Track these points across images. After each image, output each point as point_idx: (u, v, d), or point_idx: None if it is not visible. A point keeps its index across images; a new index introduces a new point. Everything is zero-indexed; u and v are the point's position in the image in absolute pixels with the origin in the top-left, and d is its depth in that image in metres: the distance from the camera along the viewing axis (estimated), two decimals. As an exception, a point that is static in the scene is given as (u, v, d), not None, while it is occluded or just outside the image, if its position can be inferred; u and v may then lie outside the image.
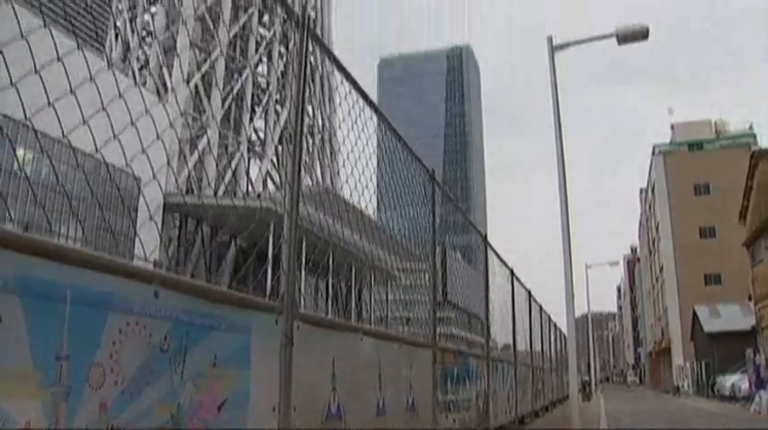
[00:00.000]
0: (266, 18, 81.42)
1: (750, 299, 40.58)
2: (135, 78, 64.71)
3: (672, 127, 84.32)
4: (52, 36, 2.79)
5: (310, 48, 3.59)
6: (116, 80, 2.88)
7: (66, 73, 2.73)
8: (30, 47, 2.61)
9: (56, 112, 2.68)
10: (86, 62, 2.85)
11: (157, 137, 3.03)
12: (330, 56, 4.14)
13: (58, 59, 2.65)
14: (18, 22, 2.88)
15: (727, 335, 46.46)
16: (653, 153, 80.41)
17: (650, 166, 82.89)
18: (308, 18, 3.54)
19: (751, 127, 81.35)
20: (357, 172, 4.66)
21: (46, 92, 2.63)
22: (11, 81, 2.53)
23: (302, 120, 3.50)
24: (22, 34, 2.60)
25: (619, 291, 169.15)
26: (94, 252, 2.42)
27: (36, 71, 2.56)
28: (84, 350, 2.34)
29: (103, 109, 2.72)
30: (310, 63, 3.56)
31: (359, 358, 4.82)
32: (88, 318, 2.36)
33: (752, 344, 36.28)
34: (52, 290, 2.22)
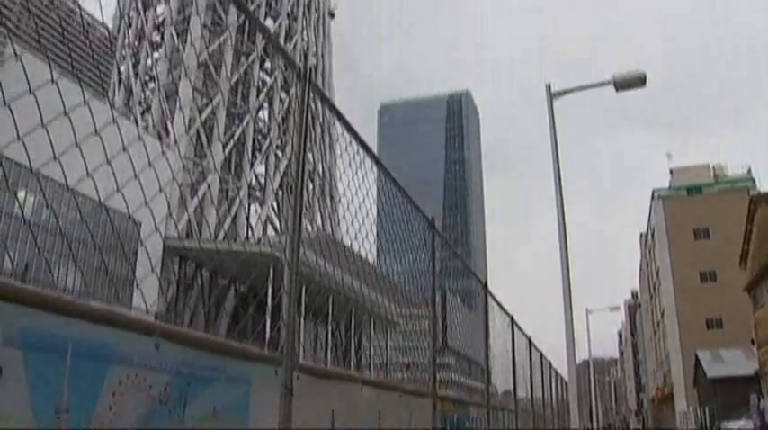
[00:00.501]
0: (268, 64, 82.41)
1: (753, 343, 40.36)
2: (137, 122, 65.23)
3: (671, 171, 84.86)
4: (58, 87, 2.84)
5: (311, 94, 3.65)
6: (120, 131, 2.93)
7: (70, 120, 2.77)
8: (30, 87, 2.65)
9: (56, 155, 2.72)
10: (90, 111, 2.90)
11: (160, 189, 3.06)
12: (331, 107, 4.20)
13: (65, 113, 2.69)
14: (23, 68, 2.93)
15: (731, 380, 46.03)
16: (652, 198, 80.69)
17: (650, 211, 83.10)
18: (310, 70, 3.61)
19: (749, 171, 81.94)
20: (357, 221, 4.71)
21: (50, 140, 2.67)
22: (16, 127, 2.57)
23: (303, 171, 3.54)
24: (28, 81, 2.65)
25: (620, 336, 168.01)
26: (96, 304, 2.43)
27: (42, 124, 2.61)
28: (84, 403, 2.33)
29: (107, 161, 2.75)
30: (311, 112, 3.61)
31: (359, 407, 4.79)
32: (89, 371, 2.36)
33: (755, 389, 35.96)
34: (53, 342, 2.23)
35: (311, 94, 3.67)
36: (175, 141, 60.12)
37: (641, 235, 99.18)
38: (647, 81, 14.88)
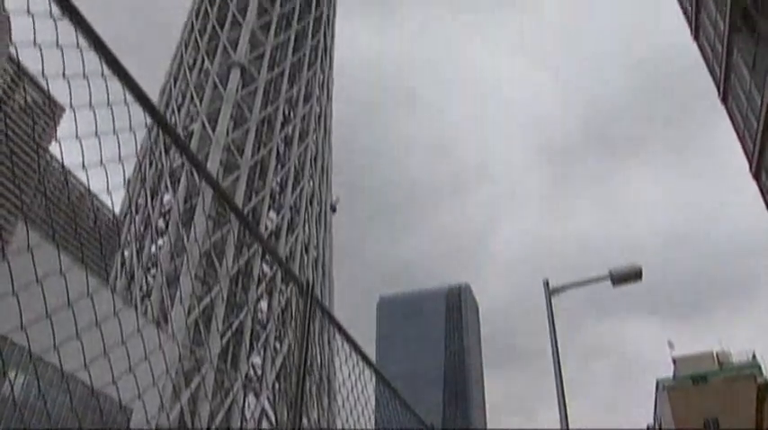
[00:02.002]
0: (269, 256, 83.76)
1: None
2: (137, 309, 65.22)
3: (674, 361, 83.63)
4: (65, 280, 2.92)
5: (313, 308, 3.74)
6: (120, 323, 2.97)
7: (73, 313, 2.81)
8: (38, 276, 2.71)
9: (56, 344, 2.73)
10: (92, 303, 2.95)
11: (153, 382, 3.05)
12: (332, 320, 4.29)
13: (69, 304, 2.75)
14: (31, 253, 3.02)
15: None
16: (657, 388, 78.93)
17: (655, 402, 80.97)
18: (311, 285, 3.72)
19: (753, 356, 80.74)
20: (355, 421, 4.66)
21: (52, 329, 2.70)
22: (20, 316, 2.61)
23: (303, 386, 3.55)
24: (35, 272, 2.72)
25: None
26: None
27: (47, 313, 2.66)
28: None
29: (104, 352, 2.78)
30: (312, 325, 3.69)
31: None
32: None
33: None
34: None
35: (313, 308, 3.77)
36: (173, 333, 59.78)
37: (648, 427, 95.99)
38: (644, 273, 15.14)
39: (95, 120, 2.42)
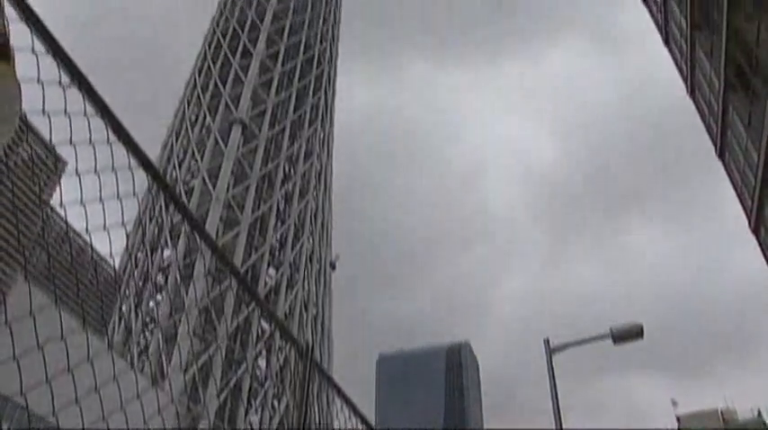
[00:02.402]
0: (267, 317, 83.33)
1: None
2: (133, 365, 64.56)
3: (678, 419, 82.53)
4: (66, 344, 2.91)
5: (312, 371, 3.73)
6: (119, 389, 2.95)
7: (72, 377, 2.80)
8: (39, 340, 2.71)
9: (55, 411, 2.71)
10: (93, 369, 2.93)
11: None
12: (331, 383, 4.28)
13: (69, 370, 2.74)
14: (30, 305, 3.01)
15: None
16: (662, 449, 77.75)
17: (662, 462, 79.68)
18: (311, 348, 3.72)
19: (759, 413, 79.51)
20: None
21: (52, 393, 2.68)
22: (20, 381, 2.59)
23: None
24: (36, 337, 2.71)
25: None
26: None
27: (47, 379, 2.64)
28: None
29: (103, 418, 2.75)
30: (310, 386, 3.67)
31: None
32: None
33: None
34: None
35: (312, 370, 3.77)
36: (172, 394, 59.03)
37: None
38: (646, 331, 15.06)
39: (99, 182, 2.46)
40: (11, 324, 3.06)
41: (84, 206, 2.42)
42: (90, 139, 2.36)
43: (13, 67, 2.01)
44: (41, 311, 3.13)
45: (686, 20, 31.37)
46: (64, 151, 2.44)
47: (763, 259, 28.09)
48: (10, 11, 2.07)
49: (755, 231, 28.40)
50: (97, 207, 2.60)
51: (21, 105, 2.01)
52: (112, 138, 2.42)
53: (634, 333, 14.93)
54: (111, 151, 2.41)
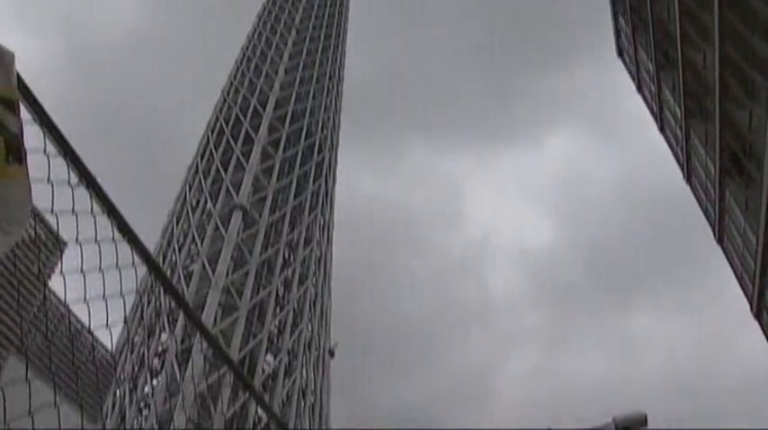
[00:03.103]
0: (266, 398, 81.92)
1: None
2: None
3: None
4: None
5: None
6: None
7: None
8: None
9: None
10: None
11: None
12: None
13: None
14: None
15: None
16: None
17: None
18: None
19: None
20: None
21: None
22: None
23: None
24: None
25: None
26: None
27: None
28: None
29: None
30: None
31: None
32: None
33: None
34: None
35: None
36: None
37: None
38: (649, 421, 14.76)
39: (103, 280, 2.49)
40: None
41: (88, 303, 2.44)
42: (96, 237, 2.40)
43: (26, 168, 2.06)
44: (34, 385, 3.10)
45: (680, 108, 32.04)
46: (71, 247, 2.48)
47: (766, 343, 27.81)
48: (25, 113, 2.14)
49: (758, 316, 28.21)
50: (99, 295, 2.62)
51: (30, 208, 2.05)
52: (117, 236, 2.46)
53: (637, 422, 14.62)
54: (116, 249, 2.45)
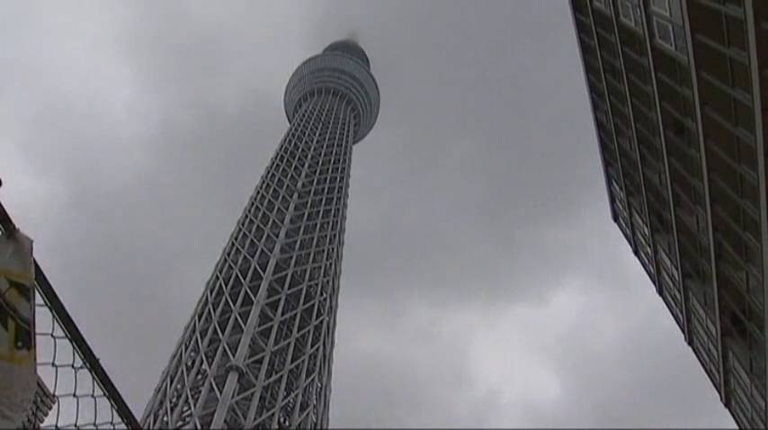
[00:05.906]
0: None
1: None
2: None
3: None
4: None
5: None
6: None
7: None
8: None
9: None
10: None
11: None
12: None
13: None
14: None
15: None
16: None
17: None
18: None
19: None
20: None
21: None
22: None
23: None
24: None
25: None
26: None
27: None
28: None
29: None
30: None
31: None
32: None
33: None
34: None
35: None
36: None
37: None
38: None
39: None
40: None
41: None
42: (95, 420, 2.41)
43: (34, 353, 2.09)
44: None
45: (677, 270, 32.24)
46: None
47: None
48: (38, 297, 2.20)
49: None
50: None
51: (33, 395, 2.07)
52: (116, 419, 2.46)
53: None
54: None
